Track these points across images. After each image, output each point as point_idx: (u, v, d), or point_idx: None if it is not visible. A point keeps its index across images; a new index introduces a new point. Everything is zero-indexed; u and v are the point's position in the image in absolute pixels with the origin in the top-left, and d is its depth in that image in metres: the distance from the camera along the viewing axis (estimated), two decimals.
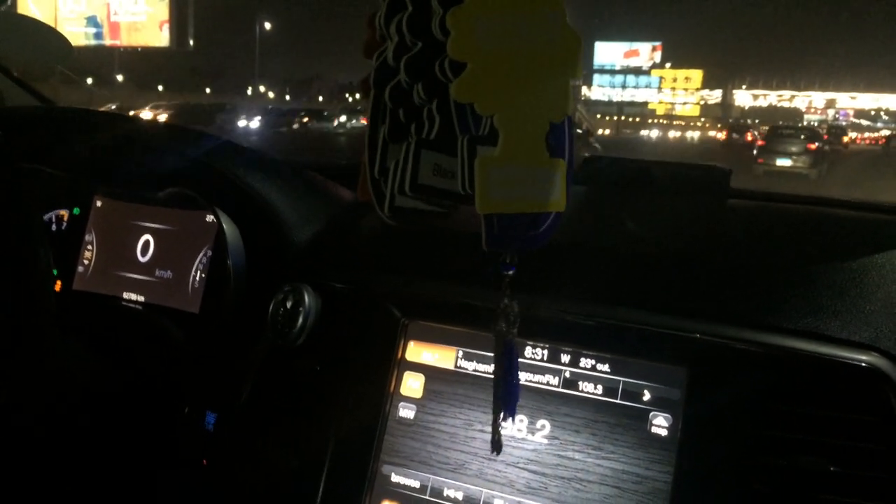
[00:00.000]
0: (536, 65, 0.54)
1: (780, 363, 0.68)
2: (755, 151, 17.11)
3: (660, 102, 67.75)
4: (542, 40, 0.54)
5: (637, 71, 66.15)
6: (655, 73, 66.65)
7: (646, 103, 67.16)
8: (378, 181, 0.59)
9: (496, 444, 0.57)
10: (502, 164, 0.53)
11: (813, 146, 16.39)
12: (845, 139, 25.51)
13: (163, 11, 18.69)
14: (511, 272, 0.57)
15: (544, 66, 0.54)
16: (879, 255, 0.76)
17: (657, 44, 66.49)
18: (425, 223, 0.61)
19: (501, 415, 0.57)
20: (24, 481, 0.84)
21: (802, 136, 16.77)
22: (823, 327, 0.70)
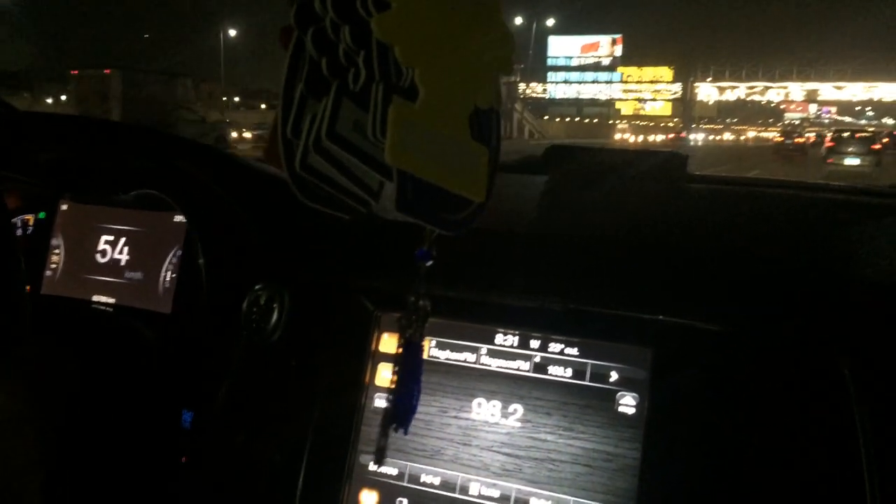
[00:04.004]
0: (468, 39, 0.52)
1: (740, 342, 0.71)
2: (823, 153, 19.48)
3: (627, 100, 62.41)
4: (474, 21, 0.53)
5: (597, 67, 60.82)
6: (623, 70, 61.23)
7: (610, 102, 62.58)
8: (290, 141, 0.54)
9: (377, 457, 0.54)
10: (419, 118, 0.50)
11: (877, 146, 18.63)
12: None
13: None
14: (428, 263, 0.55)
15: (475, 47, 0.53)
16: (835, 234, 0.80)
17: (617, 36, 60.82)
18: (337, 204, 0.57)
19: (391, 426, 0.53)
20: None
21: (866, 138, 19.13)
22: (781, 307, 0.72)
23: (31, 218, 1.14)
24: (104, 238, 1.10)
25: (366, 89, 0.51)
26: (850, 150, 18.37)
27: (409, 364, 0.55)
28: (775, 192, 1.00)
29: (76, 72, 17.99)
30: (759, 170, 20.06)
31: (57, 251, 1.12)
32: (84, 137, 1.07)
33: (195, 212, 0.96)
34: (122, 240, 1.09)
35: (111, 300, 1.07)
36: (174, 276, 1.03)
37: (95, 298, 1.08)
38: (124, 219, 1.09)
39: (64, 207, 1.13)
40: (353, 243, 0.89)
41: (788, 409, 0.69)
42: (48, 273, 1.12)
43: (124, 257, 1.08)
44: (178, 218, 1.04)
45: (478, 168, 0.54)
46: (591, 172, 1.00)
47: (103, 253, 1.09)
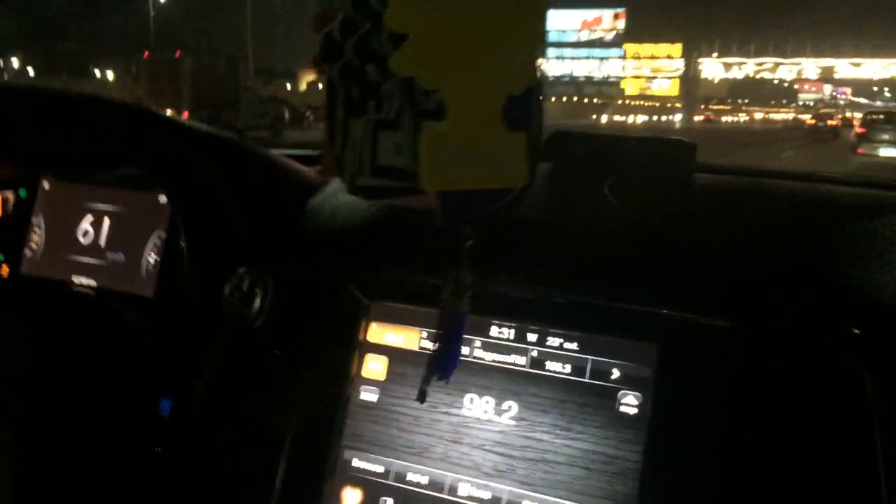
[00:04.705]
0: (491, 33, 0.51)
1: (751, 340, 0.67)
2: (852, 139, 16.20)
3: (633, 77, 59.66)
4: (496, 8, 0.51)
5: (599, 43, 57.70)
6: (629, 48, 58.57)
7: (614, 81, 59.52)
8: (340, 158, 0.57)
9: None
10: (450, 139, 0.51)
11: None
12: None
13: None
14: (469, 243, 0.55)
15: (500, 33, 0.51)
16: (848, 227, 0.75)
17: (620, 10, 56.85)
18: (390, 197, 0.59)
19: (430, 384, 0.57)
20: None
21: None
22: (794, 303, 0.68)
23: (10, 196, 1.10)
24: (86, 218, 1.05)
25: (400, 113, 0.53)
26: (885, 137, 15.09)
27: (451, 336, 0.58)
28: (789, 184, 0.95)
29: (147, 54, 18.77)
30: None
31: (37, 230, 1.08)
32: (67, 112, 1.03)
33: (177, 192, 0.92)
34: (105, 220, 1.04)
35: (92, 282, 1.03)
36: (157, 258, 0.99)
37: (76, 280, 1.04)
38: (107, 198, 1.05)
39: (46, 185, 1.09)
40: (343, 229, 0.85)
41: (801, 410, 0.65)
42: (28, 253, 1.08)
43: (106, 238, 1.04)
44: (163, 199, 1.00)
45: (516, 156, 0.54)
46: (596, 160, 0.96)
47: (85, 233, 1.05)
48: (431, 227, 0.64)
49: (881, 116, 16.61)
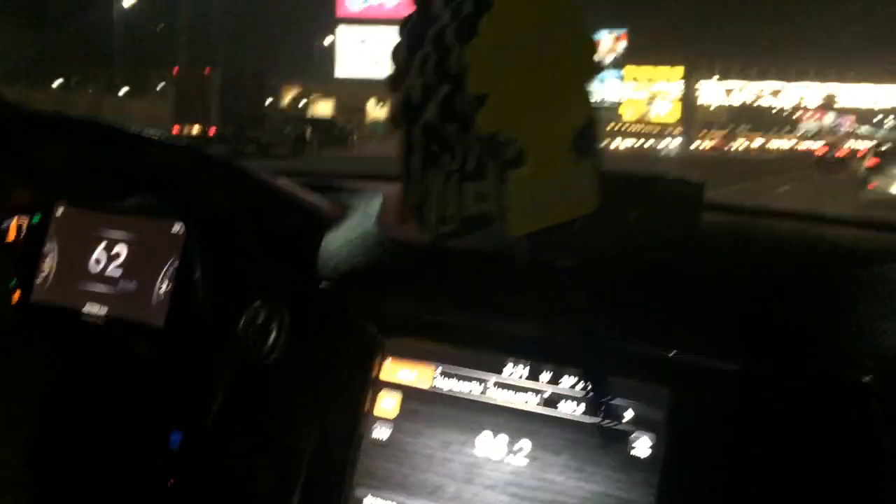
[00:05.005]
0: (554, 75, 0.55)
1: (762, 384, 0.67)
2: (862, 173, 14.02)
3: (632, 102, 58.41)
4: (556, 49, 0.54)
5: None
6: (628, 71, 57.63)
7: (612, 105, 57.73)
8: (420, 207, 0.59)
9: None
10: (532, 182, 0.54)
11: None
12: None
13: None
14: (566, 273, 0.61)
15: (561, 74, 0.55)
16: (860, 272, 0.76)
17: (621, 32, 55.57)
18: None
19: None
20: None
21: None
22: (804, 345, 0.69)
23: (24, 221, 1.11)
24: (99, 245, 1.06)
25: (481, 164, 0.55)
26: None
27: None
28: (796, 225, 0.96)
29: (176, 69, 19.11)
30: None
31: (50, 257, 1.08)
32: (84, 139, 1.04)
33: (195, 221, 0.92)
34: (118, 248, 1.05)
35: (103, 310, 1.03)
36: (169, 288, 1.00)
37: (87, 308, 1.04)
38: (121, 226, 1.06)
39: (59, 212, 1.10)
40: (360, 264, 0.86)
41: (811, 454, 0.65)
42: (39, 280, 1.08)
43: (118, 266, 1.04)
44: (177, 228, 1.00)
45: (586, 182, 0.58)
46: (607, 198, 0.97)
47: (97, 261, 1.05)
48: (446, 263, 0.65)
49: (890, 147, 14.95)
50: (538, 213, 0.55)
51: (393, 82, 0.58)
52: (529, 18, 0.53)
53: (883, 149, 14.61)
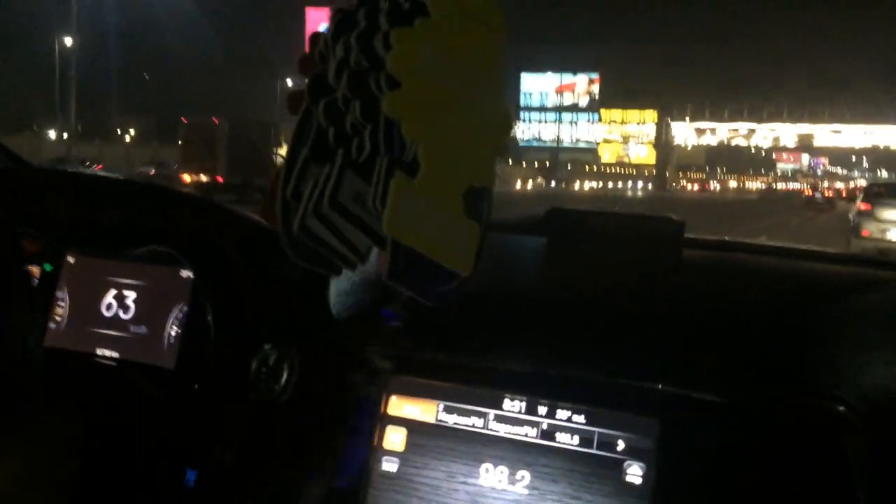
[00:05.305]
0: (469, 120, 0.55)
1: (743, 414, 0.73)
2: (853, 218, 12.67)
3: (608, 143, 58.45)
4: (477, 101, 0.55)
5: (574, 108, 56.89)
6: (604, 114, 58.05)
7: (589, 147, 58.48)
8: (289, 203, 0.57)
9: None
10: (418, 193, 0.53)
11: None
12: None
13: None
14: (393, 324, 0.60)
15: (475, 126, 0.56)
16: (836, 306, 0.82)
17: (595, 76, 56.90)
18: (325, 264, 0.60)
19: None
20: None
21: None
22: (781, 378, 0.74)
23: (36, 270, 1.15)
24: (110, 292, 1.11)
25: (369, 161, 0.54)
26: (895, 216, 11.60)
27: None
28: (775, 261, 1.03)
29: (186, 120, 19.24)
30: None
31: (62, 304, 1.13)
32: (93, 194, 1.09)
33: (205, 269, 0.97)
34: (128, 294, 1.09)
35: (115, 354, 1.07)
36: (179, 332, 1.04)
37: (99, 352, 1.08)
38: (131, 273, 1.10)
39: (70, 260, 1.14)
40: (364, 307, 0.91)
41: (792, 483, 0.70)
42: (52, 325, 1.12)
43: (130, 311, 1.08)
44: (185, 273, 1.05)
45: (468, 243, 0.57)
46: (591, 237, 1.03)
47: (108, 306, 1.10)
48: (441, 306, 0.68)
49: (883, 189, 13.28)
50: (414, 229, 0.53)
51: (303, 64, 0.58)
52: (459, 57, 0.54)
53: (875, 191, 12.99)
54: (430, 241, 0.54)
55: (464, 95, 0.55)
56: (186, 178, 18.04)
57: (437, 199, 0.54)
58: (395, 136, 0.54)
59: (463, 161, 0.55)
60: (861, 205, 12.55)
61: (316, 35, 0.57)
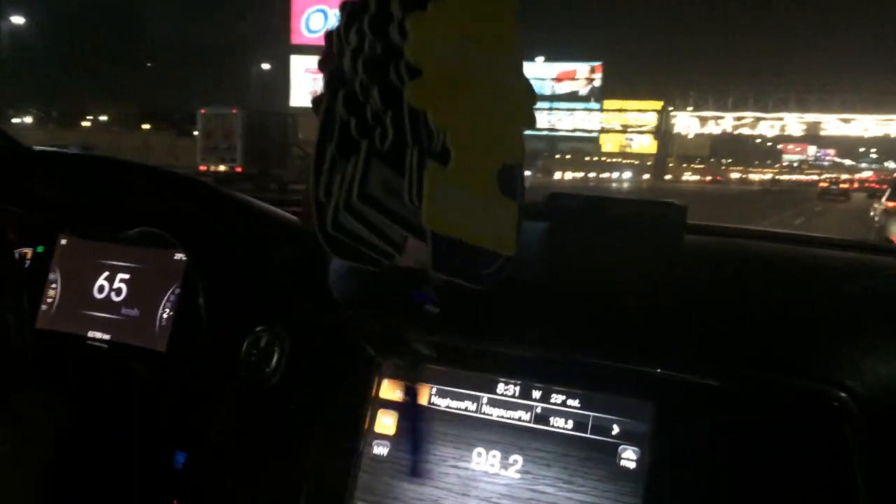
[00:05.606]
0: (492, 99, 0.54)
1: (739, 398, 0.71)
2: (879, 218, 10.81)
3: (610, 132, 56.70)
4: (498, 78, 0.54)
5: (575, 97, 54.56)
6: (608, 104, 56.19)
7: (591, 137, 57.00)
8: (323, 204, 0.56)
9: None
10: (452, 181, 0.51)
11: None
12: None
13: None
14: (433, 309, 0.58)
15: (499, 103, 0.55)
16: (836, 291, 0.80)
17: (597, 64, 54.10)
18: (365, 258, 0.58)
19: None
20: None
21: None
22: (780, 364, 0.73)
23: (29, 251, 1.14)
24: (102, 273, 1.09)
25: (395, 150, 0.53)
26: None
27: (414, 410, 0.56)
28: (776, 246, 1.01)
29: (204, 111, 19.30)
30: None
31: (54, 286, 1.12)
32: (86, 175, 1.08)
33: (197, 251, 0.96)
34: (120, 276, 1.08)
35: (106, 336, 1.06)
36: (171, 314, 1.03)
37: (91, 334, 1.07)
38: (123, 255, 1.09)
39: (63, 242, 1.13)
40: (357, 290, 0.90)
41: (788, 465, 0.69)
42: (44, 307, 1.11)
43: (122, 293, 1.07)
44: (178, 255, 1.04)
45: (508, 222, 0.56)
46: (590, 221, 1.01)
47: (101, 288, 1.09)
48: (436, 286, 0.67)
49: None
50: (454, 219, 0.52)
51: (325, 64, 0.56)
52: (475, 36, 0.52)
53: None
54: (471, 228, 0.53)
55: (485, 74, 0.54)
56: (202, 167, 18.04)
57: (472, 183, 0.53)
58: (420, 126, 0.52)
59: (493, 141, 0.54)
60: (888, 203, 10.53)
61: (329, 32, 0.56)
